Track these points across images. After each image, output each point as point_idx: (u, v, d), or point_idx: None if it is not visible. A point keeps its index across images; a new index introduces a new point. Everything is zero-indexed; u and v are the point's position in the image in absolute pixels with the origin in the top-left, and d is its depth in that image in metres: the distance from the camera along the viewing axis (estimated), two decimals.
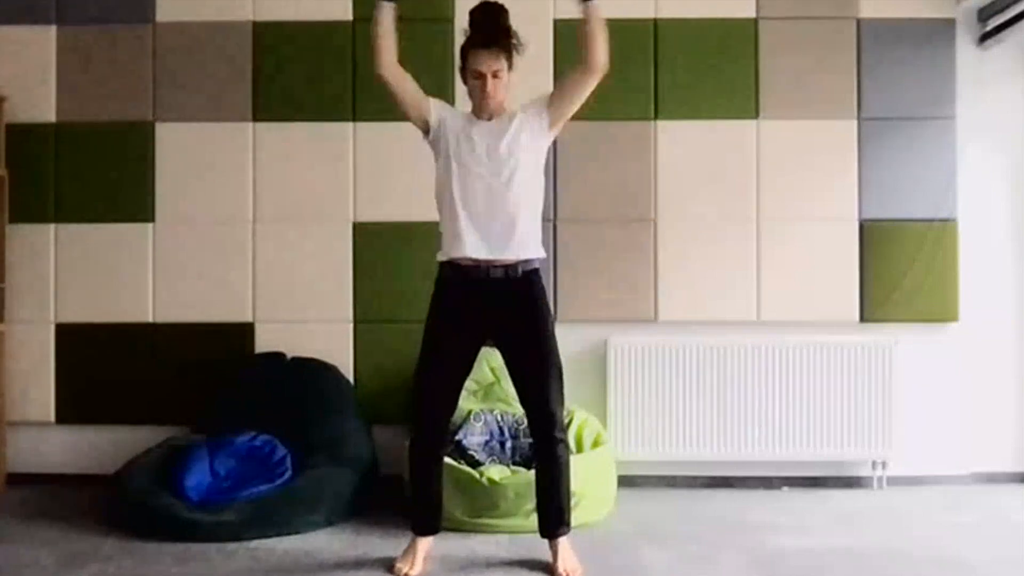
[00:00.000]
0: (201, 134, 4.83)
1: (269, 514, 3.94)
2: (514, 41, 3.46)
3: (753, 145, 4.82)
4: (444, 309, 3.51)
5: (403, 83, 3.47)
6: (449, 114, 3.55)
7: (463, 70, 3.51)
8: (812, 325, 4.78)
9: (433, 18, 4.78)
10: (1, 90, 4.75)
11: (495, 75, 3.44)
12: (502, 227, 3.43)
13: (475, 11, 3.50)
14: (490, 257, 3.44)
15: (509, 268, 3.46)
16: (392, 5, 3.41)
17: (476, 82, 3.46)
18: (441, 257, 3.53)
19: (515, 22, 3.51)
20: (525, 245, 3.48)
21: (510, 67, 3.48)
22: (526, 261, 3.49)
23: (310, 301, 4.80)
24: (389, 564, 3.56)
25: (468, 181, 3.45)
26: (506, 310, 3.47)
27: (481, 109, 3.51)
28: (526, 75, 3.52)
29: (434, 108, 3.51)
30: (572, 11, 4.71)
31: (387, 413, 4.66)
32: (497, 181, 3.43)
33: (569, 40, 4.76)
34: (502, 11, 3.47)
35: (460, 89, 3.58)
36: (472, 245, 3.44)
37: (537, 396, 3.50)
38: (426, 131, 3.53)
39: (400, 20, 3.44)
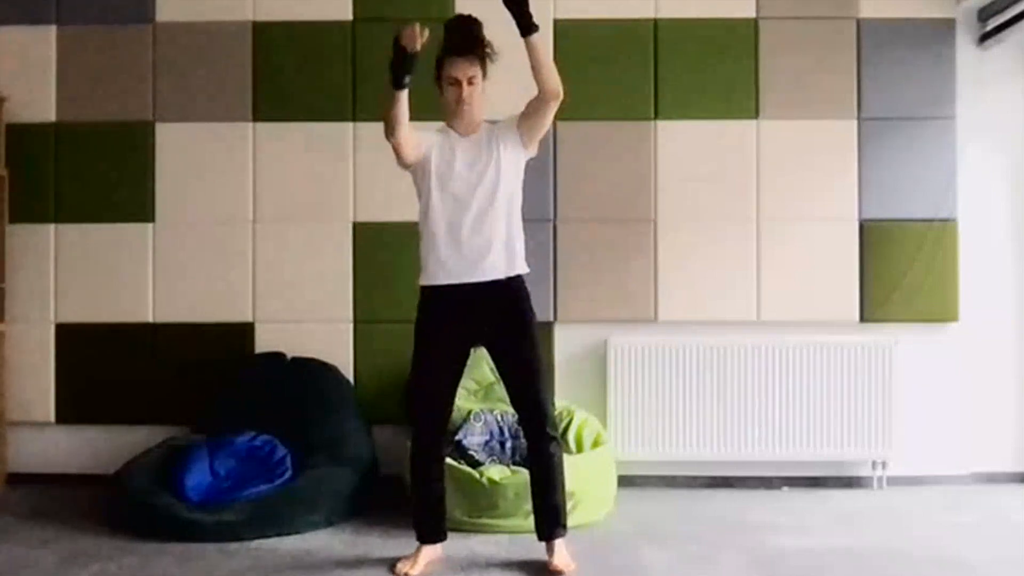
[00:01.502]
0: (201, 134, 4.83)
1: (269, 514, 3.94)
2: (488, 51, 3.52)
3: (753, 145, 4.82)
4: (431, 318, 3.54)
5: (412, 142, 3.48)
6: (432, 142, 3.56)
7: (439, 79, 3.56)
8: (812, 325, 4.78)
9: (433, 18, 4.76)
10: (1, 90, 4.75)
11: (470, 82, 3.50)
12: (482, 248, 3.47)
13: (450, 23, 3.58)
14: (470, 281, 3.48)
15: (494, 280, 3.50)
16: (407, 91, 3.38)
17: (452, 88, 3.52)
18: (422, 282, 3.55)
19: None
20: (511, 264, 3.51)
21: (484, 76, 3.53)
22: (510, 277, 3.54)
23: (310, 301, 4.80)
24: (389, 564, 3.56)
25: (447, 203, 3.49)
26: (491, 313, 3.51)
27: (456, 116, 3.55)
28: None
29: (425, 145, 3.52)
30: (572, 11, 4.81)
31: (387, 413, 4.66)
32: (477, 197, 3.47)
33: (569, 40, 4.80)
34: (475, 23, 3.53)
35: None
36: (452, 271, 3.48)
37: (526, 395, 3.54)
38: (408, 164, 3.55)
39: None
